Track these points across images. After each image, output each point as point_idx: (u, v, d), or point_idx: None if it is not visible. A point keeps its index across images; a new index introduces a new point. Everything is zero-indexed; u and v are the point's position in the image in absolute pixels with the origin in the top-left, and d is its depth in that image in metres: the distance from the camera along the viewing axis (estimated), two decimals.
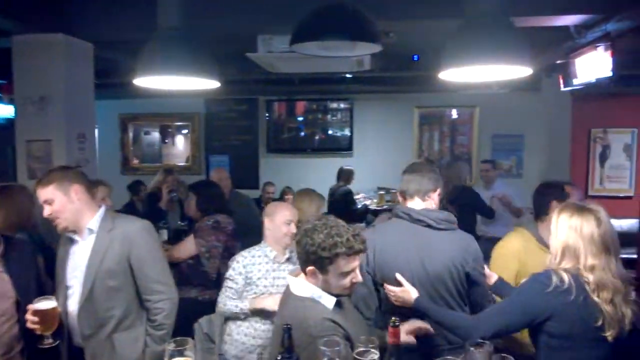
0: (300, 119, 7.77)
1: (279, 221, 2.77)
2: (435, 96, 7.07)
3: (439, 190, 2.37)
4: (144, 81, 2.20)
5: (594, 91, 5.05)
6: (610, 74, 3.32)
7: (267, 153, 7.79)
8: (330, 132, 7.69)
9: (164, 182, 5.28)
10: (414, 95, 7.00)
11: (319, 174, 7.15)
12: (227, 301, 2.73)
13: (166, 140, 8.16)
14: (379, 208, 6.79)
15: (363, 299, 2.31)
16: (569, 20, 3.42)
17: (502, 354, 1.54)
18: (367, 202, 7.03)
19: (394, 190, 6.97)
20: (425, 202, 2.33)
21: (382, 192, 6.90)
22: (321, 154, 7.66)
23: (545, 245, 2.35)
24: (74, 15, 3.72)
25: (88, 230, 2.24)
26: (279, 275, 2.77)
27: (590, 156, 5.85)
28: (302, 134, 7.77)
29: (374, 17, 2.52)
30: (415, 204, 2.33)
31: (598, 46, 3.37)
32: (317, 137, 7.73)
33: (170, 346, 1.58)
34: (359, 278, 1.85)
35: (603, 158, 5.85)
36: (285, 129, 7.77)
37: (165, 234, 4.59)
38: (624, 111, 5.45)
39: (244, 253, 2.81)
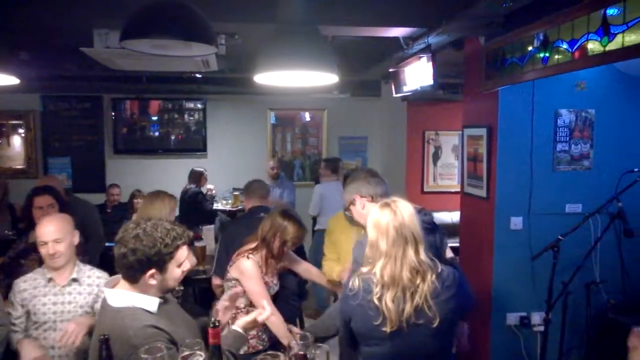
0: (155, 118, 7.40)
1: (38, 245, 2.52)
2: (287, 99, 7.24)
3: None
4: None
5: (427, 97, 5.54)
6: (432, 82, 3.64)
7: (114, 154, 7.31)
8: (186, 132, 7.47)
9: None
10: (267, 97, 7.06)
11: (173, 175, 6.93)
12: (12, 335, 2.41)
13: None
14: (234, 209, 6.78)
15: None
16: (398, 32, 3.71)
17: (318, 344, 1.65)
18: (223, 202, 7.00)
19: None
20: None
21: (236, 193, 6.89)
22: (175, 155, 7.42)
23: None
24: None
25: None
26: (64, 300, 2.48)
27: (424, 156, 6.42)
28: (156, 134, 7.43)
29: (211, 17, 2.49)
30: None
31: (422, 57, 3.69)
32: (173, 138, 7.45)
33: None
34: (189, 264, 1.85)
35: (436, 158, 6.45)
36: (138, 129, 7.37)
37: None
38: (452, 115, 6.00)
39: (21, 278, 2.52)
